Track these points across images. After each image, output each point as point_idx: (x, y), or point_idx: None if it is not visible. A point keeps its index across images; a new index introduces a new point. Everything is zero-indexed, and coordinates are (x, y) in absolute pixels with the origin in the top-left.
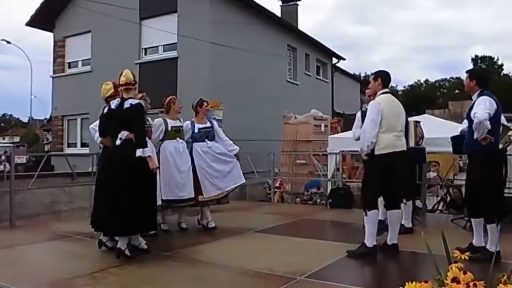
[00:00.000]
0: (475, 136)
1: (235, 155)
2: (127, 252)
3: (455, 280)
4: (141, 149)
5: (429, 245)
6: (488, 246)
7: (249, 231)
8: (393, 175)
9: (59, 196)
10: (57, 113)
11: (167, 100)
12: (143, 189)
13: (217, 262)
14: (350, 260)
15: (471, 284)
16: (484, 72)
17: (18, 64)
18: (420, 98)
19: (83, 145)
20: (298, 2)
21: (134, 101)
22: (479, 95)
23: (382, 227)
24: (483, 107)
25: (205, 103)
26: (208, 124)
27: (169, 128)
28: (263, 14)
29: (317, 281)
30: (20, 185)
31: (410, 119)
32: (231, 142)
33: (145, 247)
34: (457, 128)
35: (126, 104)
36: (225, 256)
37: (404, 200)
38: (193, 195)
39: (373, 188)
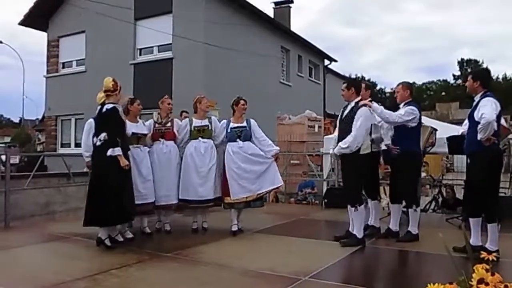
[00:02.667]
0: (480, 136)
1: (273, 156)
2: (107, 242)
3: (482, 281)
4: (111, 149)
5: (428, 245)
6: (487, 245)
7: (248, 231)
8: (370, 172)
9: (54, 197)
10: (50, 113)
11: (194, 100)
12: (119, 183)
13: (218, 263)
14: (352, 260)
15: (501, 286)
16: (487, 72)
17: (9, 64)
18: None
19: (77, 145)
20: (290, 4)
21: (109, 106)
22: (482, 96)
23: (373, 231)
24: (490, 108)
25: (241, 102)
26: (243, 124)
27: (192, 128)
28: (257, 15)
29: (322, 282)
30: (14, 186)
31: (427, 123)
32: (270, 142)
33: (121, 238)
34: (447, 129)
35: (104, 109)
36: (227, 256)
37: (414, 206)
38: (212, 196)
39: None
